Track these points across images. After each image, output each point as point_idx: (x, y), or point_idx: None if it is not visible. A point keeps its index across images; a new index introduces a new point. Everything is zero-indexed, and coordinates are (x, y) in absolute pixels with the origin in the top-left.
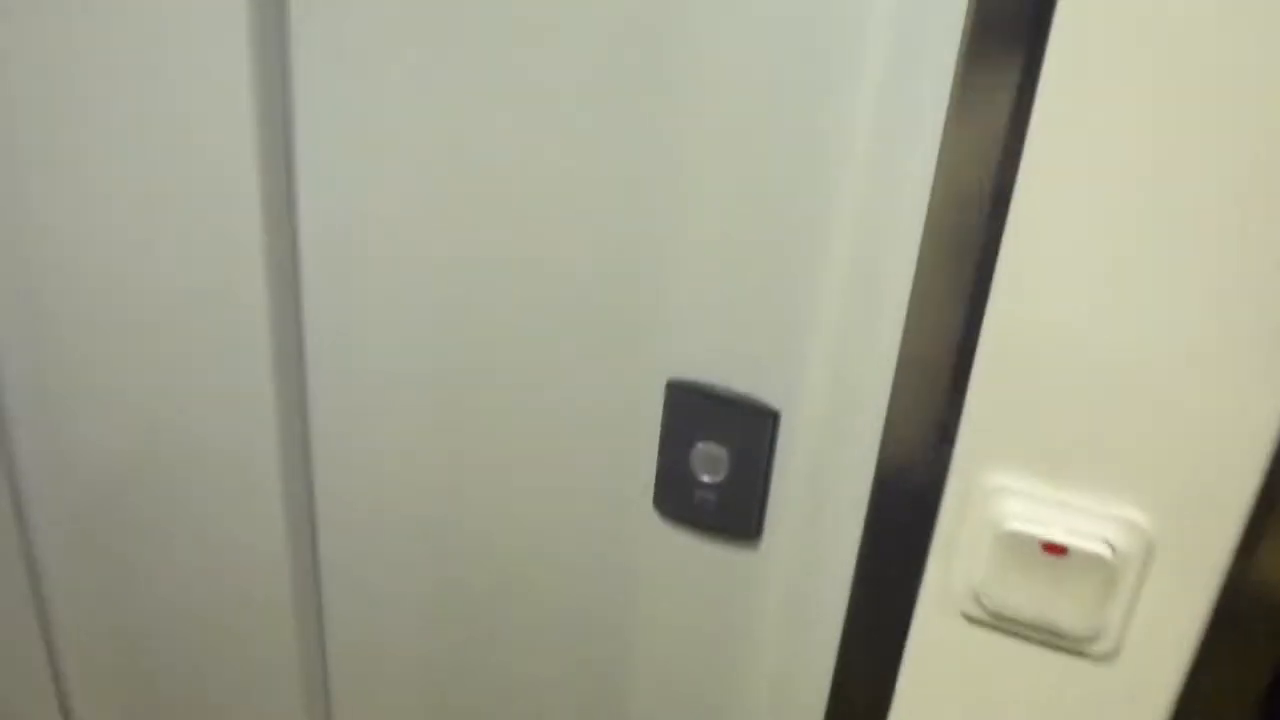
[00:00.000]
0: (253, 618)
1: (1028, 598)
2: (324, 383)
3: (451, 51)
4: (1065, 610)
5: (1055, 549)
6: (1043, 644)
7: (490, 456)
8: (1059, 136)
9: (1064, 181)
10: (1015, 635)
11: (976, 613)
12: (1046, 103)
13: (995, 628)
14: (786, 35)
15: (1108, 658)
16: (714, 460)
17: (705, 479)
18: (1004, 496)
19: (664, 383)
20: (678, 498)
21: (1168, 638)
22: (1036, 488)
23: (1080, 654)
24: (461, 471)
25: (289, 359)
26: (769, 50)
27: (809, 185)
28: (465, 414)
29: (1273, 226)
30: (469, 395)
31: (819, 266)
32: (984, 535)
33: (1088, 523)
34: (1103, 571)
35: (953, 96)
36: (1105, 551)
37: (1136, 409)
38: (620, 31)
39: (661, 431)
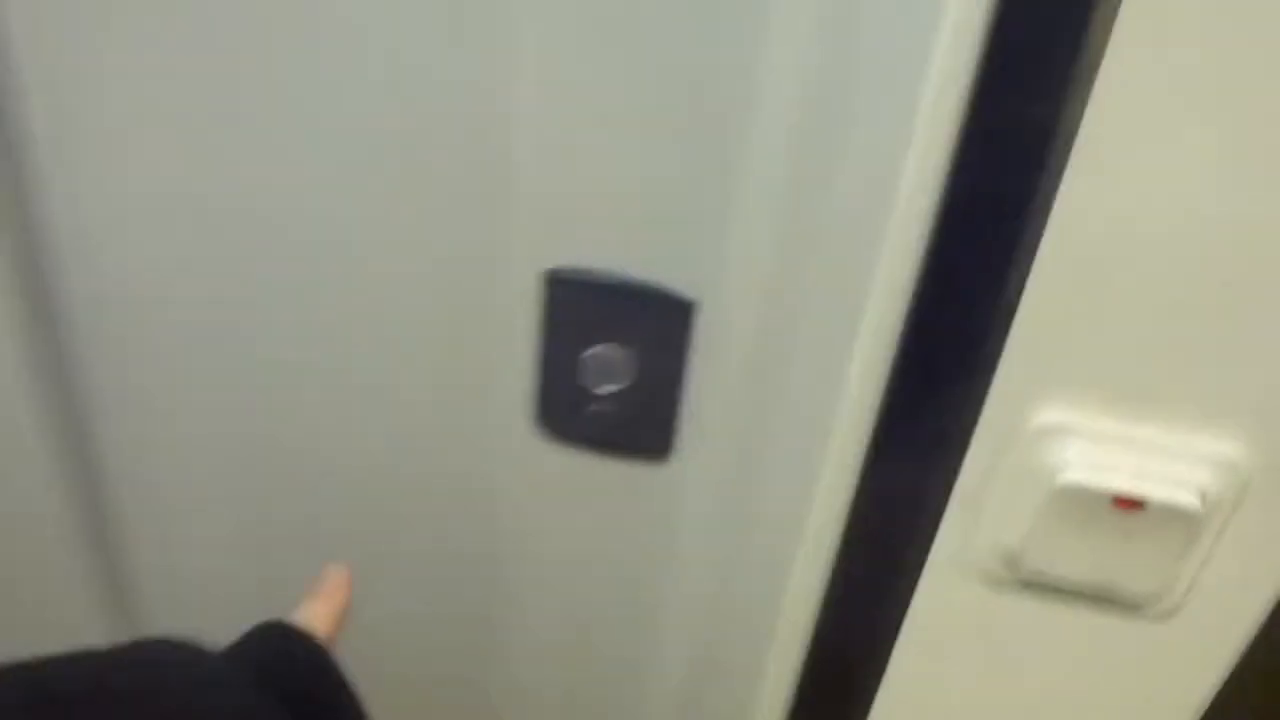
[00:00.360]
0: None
1: (1083, 558)
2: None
3: None
4: (1129, 569)
5: (1131, 502)
6: (1088, 605)
7: (323, 367)
8: None
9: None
10: (1054, 598)
11: (1006, 574)
12: None
13: (1029, 590)
14: None
15: (1165, 616)
16: (611, 366)
17: (601, 389)
18: (1059, 438)
19: (540, 273)
20: (565, 412)
21: (1242, 591)
22: (1103, 426)
23: (1133, 614)
24: (286, 388)
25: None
26: None
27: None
28: (282, 312)
29: None
30: (277, 289)
31: (750, 91)
32: (1031, 485)
33: (1171, 466)
34: (1186, 522)
35: None
36: (1195, 500)
37: (1234, 322)
38: None
39: (541, 334)
